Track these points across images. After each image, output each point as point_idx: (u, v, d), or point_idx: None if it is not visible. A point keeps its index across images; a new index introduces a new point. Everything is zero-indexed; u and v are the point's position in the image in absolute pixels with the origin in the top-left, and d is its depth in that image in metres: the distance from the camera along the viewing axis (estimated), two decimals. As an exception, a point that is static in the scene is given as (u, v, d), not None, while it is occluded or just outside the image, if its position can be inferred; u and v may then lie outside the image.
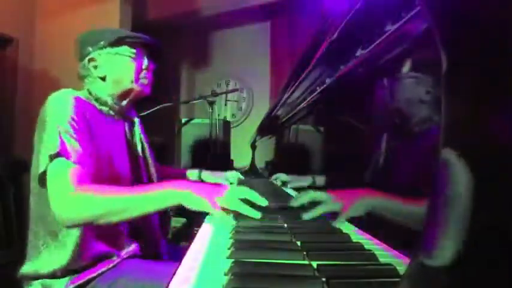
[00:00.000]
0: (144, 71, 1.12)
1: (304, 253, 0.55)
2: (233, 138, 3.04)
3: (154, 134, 1.46)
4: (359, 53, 0.79)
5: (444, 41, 0.25)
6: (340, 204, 0.83)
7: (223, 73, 4.21)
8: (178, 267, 0.50)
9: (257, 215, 0.81)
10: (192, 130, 2.74)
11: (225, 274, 0.47)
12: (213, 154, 2.58)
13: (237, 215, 0.83)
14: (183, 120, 2.78)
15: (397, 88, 0.79)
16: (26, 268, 1.00)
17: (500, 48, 0.21)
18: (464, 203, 0.23)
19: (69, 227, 0.91)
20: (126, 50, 1.08)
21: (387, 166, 0.88)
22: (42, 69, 3.21)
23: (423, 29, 0.55)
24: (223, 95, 4.06)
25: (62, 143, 0.89)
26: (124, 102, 1.13)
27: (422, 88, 0.74)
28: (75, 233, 0.97)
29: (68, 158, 0.88)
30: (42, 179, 0.90)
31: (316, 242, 0.64)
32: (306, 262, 0.53)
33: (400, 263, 0.52)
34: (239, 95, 4.13)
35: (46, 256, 0.98)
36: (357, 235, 0.72)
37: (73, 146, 0.90)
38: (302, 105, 1.40)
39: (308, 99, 1.29)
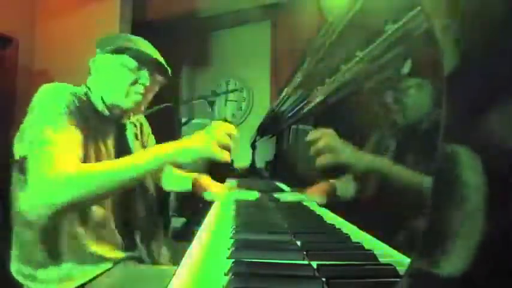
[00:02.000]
0: (140, 86, 1.06)
1: (304, 253, 0.55)
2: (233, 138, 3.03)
3: (154, 134, 1.47)
4: (358, 53, 0.79)
5: (445, 41, 0.25)
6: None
7: (223, 73, 4.21)
8: (178, 267, 0.50)
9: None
10: (192, 130, 2.74)
11: (225, 274, 0.47)
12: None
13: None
14: (183, 120, 2.78)
15: (403, 100, 0.77)
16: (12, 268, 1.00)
17: (503, 48, 0.21)
18: (475, 206, 0.22)
19: (43, 216, 0.87)
20: (126, 60, 1.05)
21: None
22: (42, 69, 3.21)
23: (424, 29, 0.55)
24: (223, 95, 4.06)
25: (46, 133, 0.87)
26: (115, 110, 1.10)
27: (425, 91, 0.73)
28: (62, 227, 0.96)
29: (50, 146, 0.86)
30: (20, 166, 0.89)
31: (316, 242, 0.64)
32: (306, 262, 0.53)
33: (400, 263, 0.52)
34: (239, 95, 4.13)
35: (25, 248, 0.98)
36: (357, 235, 0.72)
37: (55, 136, 0.88)
38: (302, 105, 1.40)
39: (308, 99, 1.29)
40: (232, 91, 3.72)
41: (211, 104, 2.57)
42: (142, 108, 1.16)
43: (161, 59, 1.11)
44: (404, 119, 0.75)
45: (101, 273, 1.01)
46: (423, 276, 0.25)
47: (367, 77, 0.82)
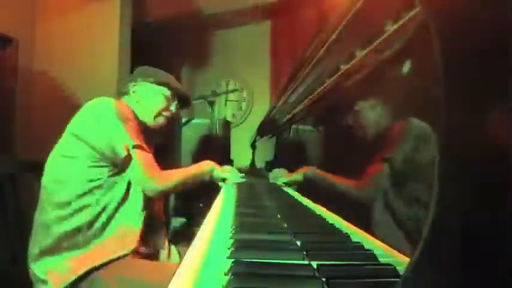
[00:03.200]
0: (167, 112, 1.39)
1: (304, 253, 0.55)
2: (233, 138, 3.03)
3: (154, 134, 1.48)
4: (358, 53, 0.79)
5: (442, 41, 0.25)
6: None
7: (223, 73, 4.20)
8: (178, 267, 0.50)
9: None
10: (192, 130, 2.74)
11: (225, 274, 0.47)
12: (213, 154, 2.58)
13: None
14: (183, 120, 2.78)
15: (359, 120, 0.92)
16: (31, 246, 1.13)
17: (499, 49, 0.21)
18: (450, 201, 0.23)
19: (155, 195, 1.26)
20: (164, 90, 1.36)
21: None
22: (42, 69, 3.21)
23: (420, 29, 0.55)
24: (223, 95, 4.06)
25: (134, 137, 1.18)
26: (143, 125, 1.36)
27: (379, 108, 0.85)
28: (84, 216, 1.11)
29: (142, 149, 1.19)
30: (124, 164, 1.18)
31: (316, 242, 0.64)
32: (306, 262, 0.53)
33: (400, 263, 0.52)
34: (239, 95, 4.12)
35: (51, 232, 1.11)
36: (357, 235, 0.72)
37: (140, 141, 1.21)
38: (302, 105, 1.40)
39: (308, 99, 1.29)
40: (232, 91, 3.72)
41: (211, 104, 2.57)
42: (161, 127, 1.43)
43: (190, 96, 1.52)
44: (364, 136, 0.91)
45: (109, 267, 1.05)
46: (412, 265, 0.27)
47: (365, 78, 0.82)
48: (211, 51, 4.27)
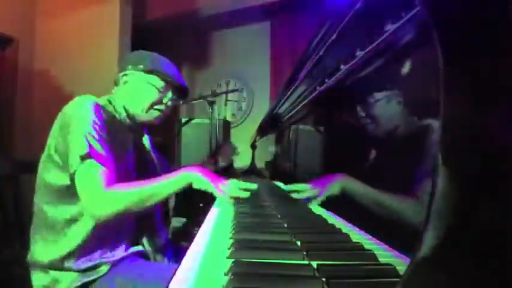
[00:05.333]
0: (162, 105, 1.22)
1: (304, 253, 0.55)
2: (233, 138, 3.03)
3: (154, 134, 1.47)
4: (358, 53, 0.79)
5: (442, 40, 0.25)
6: (317, 190, 1.07)
7: (223, 73, 4.20)
8: (178, 267, 0.50)
9: (254, 186, 1.09)
10: (192, 130, 2.74)
11: (225, 274, 0.47)
12: (213, 154, 2.58)
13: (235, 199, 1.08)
14: (183, 120, 2.78)
15: (373, 112, 0.86)
16: (28, 257, 1.07)
17: (498, 47, 0.21)
18: (449, 199, 0.23)
19: (102, 220, 0.99)
20: (156, 81, 1.18)
21: (378, 172, 0.91)
22: (42, 69, 3.21)
23: (420, 29, 0.55)
24: (223, 95, 4.06)
25: (90, 146, 0.98)
26: (135, 120, 1.22)
27: (394, 102, 0.81)
28: (76, 228, 1.03)
29: (97, 160, 0.98)
30: (72, 178, 0.99)
31: (316, 242, 0.64)
32: (306, 262, 0.53)
33: (400, 263, 0.52)
34: (239, 95, 4.12)
35: (43, 247, 1.05)
36: (356, 235, 0.72)
37: (98, 149, 0.99)
38: (302, 104, 1.40)
39: (308, 98, 1.29)
40: (232, 91, 3.72)
41: (211, 104, 2.56)
42: (159, 122, 1.26)
43: (185, 83, 1.26)
44: (377, 130, 0.87)
45: (108, 270, 1.04)
46: (412, 264, 0.27)
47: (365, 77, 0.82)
48: (211, 51, 4.27)
